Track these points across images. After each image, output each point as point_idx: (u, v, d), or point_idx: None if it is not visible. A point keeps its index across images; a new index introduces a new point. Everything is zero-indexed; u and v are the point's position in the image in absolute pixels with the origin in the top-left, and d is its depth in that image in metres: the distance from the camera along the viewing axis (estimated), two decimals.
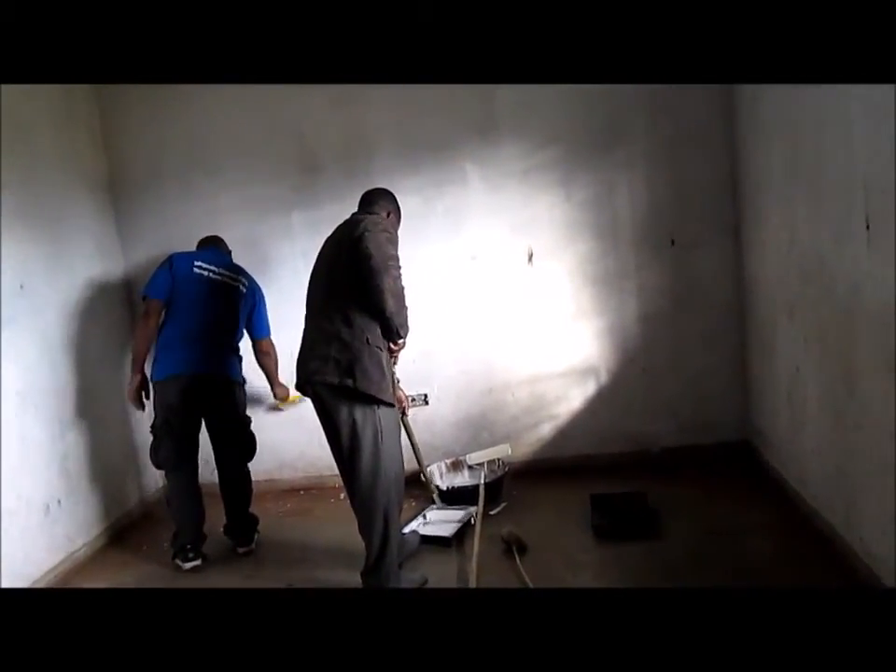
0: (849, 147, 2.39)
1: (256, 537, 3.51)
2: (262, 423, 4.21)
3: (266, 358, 3.66)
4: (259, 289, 3.61)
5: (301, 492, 4.22)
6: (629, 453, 4.00)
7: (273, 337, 3.69)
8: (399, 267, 2.68)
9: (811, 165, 2.75)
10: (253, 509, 3.56)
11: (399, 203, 3.03)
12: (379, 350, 2.68)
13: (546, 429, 4.10)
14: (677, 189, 3.82)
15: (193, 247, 4.10)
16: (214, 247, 3.59)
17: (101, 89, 4.04)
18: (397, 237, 2.80)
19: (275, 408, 4.09)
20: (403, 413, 3.15)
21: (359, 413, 2.66)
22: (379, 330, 2.69)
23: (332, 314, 2.68)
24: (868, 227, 2.29)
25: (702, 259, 3.86)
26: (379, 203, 2.94)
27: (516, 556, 3.02)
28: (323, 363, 2.66)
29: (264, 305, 3.62)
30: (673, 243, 3.86)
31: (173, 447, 3.26)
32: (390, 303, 2.60)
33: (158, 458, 3.29)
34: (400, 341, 2.79)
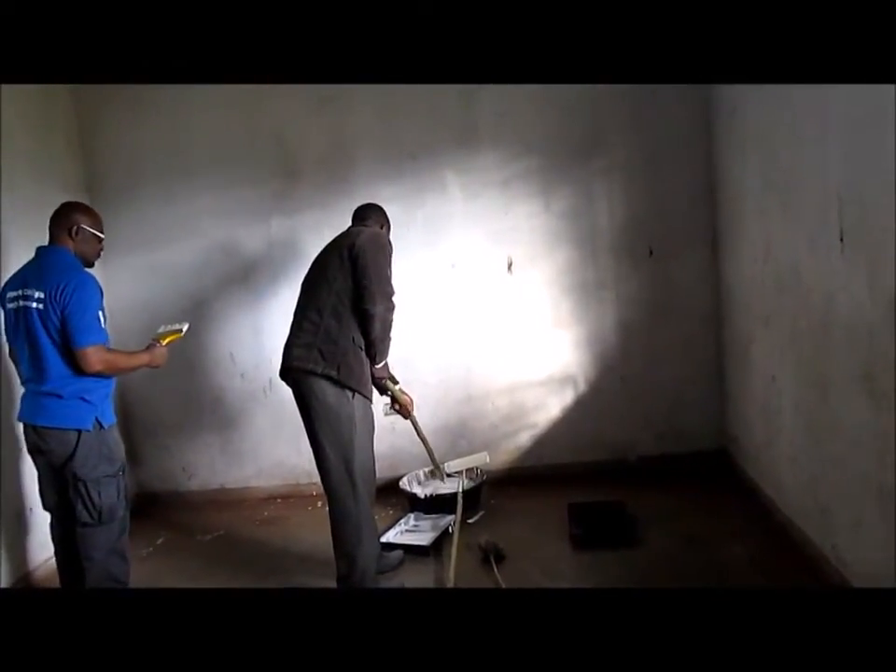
0: (824, 160, 2.44)
1: None
2: (240, 431, 4.20)
3: (93, 373, 2.62)
4: (72, 286, 2.59)
5: (279, 500, 4.19)
6: (607, 461, 4.01)
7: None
8: (393, 294, 2.80)
9: (786, 177, 2.80)
10: (231, 516, 3.48)
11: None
12: (362, 351, 2.79)
13: (524, 438, 4.11)
14: (655, 200, 3.86)
15: (170, 251, 4.05)
16: (42, 251, 2.76)
17: (79, 92, 4.00)
18: (391, 250, 2.89)
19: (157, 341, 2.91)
20: (410, 414, 3.20)
21: (334, 397, 2.74)
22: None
23: (323, 309, 2.77)
24: (842, 238, 2.33)
25: (679, 269, 3.90)
26: (372, 217, 3.04)
27: (493, 565, 3.01)
28: (306, 351, 2.75)
29: (80, 304, 2.59)
30: (651, 253, 3.89)
31: (40, 488, 2.85)
32: (376, 329, 2.74)
33: None
34: (376, 367, 2.88)
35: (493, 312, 4.02)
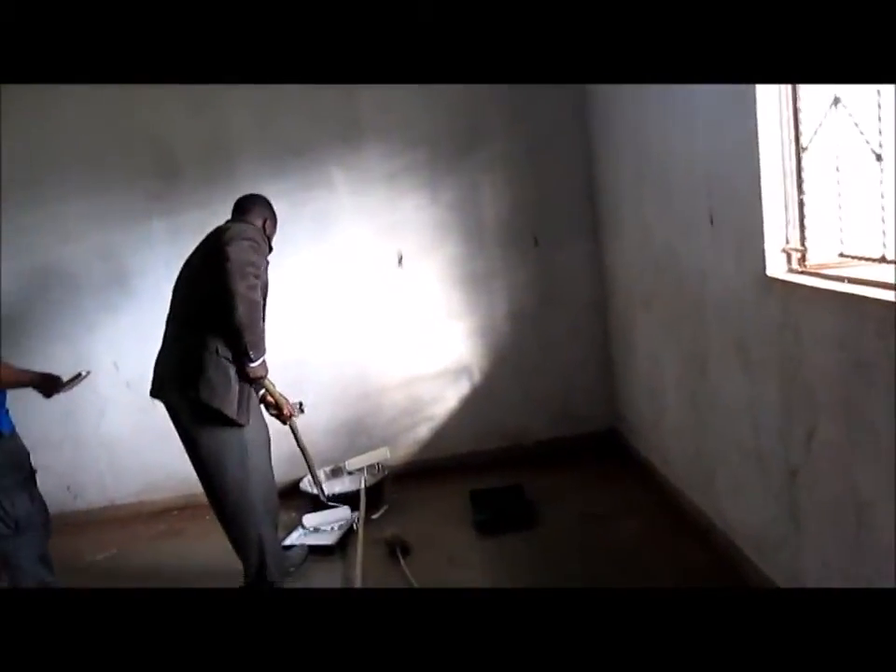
0: (691, 149, 2.58)
1: None
2: (128, 443, 4.03)
3: None
4: None
5: (175, 512, 4.04)
6: (505, 448, 4.09)
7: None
8: (258, 276, 2.52)
9: (658, 166, 2.94)
10: (123, 534, 3.35)
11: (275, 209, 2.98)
12: (227, 361, 2.55)
13: (423, 431, 4.13)
14: (538, 191, 3.96)
15: (41, 257, 3.85)
16: None
17: None
18: (266, 247, 2.73)
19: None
20: (291, 416, 2.99)
21: (220, 433, 2.59)
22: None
23: (186, 322, 2.62)
24: (712, 222, 2.47)
25: (565, 257, 4.01)
26: (253, 210, 2.84)
27: (400, 558, 3.03)
28: (170, 370, 2.61)
29: None
30: (537, 242, 3.99)
31: None
32: (240, 311, 2.41)
33: None
34: (252, 365, 2.55)
35: (385, 306, 4.02)
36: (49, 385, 2.82)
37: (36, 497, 2.72)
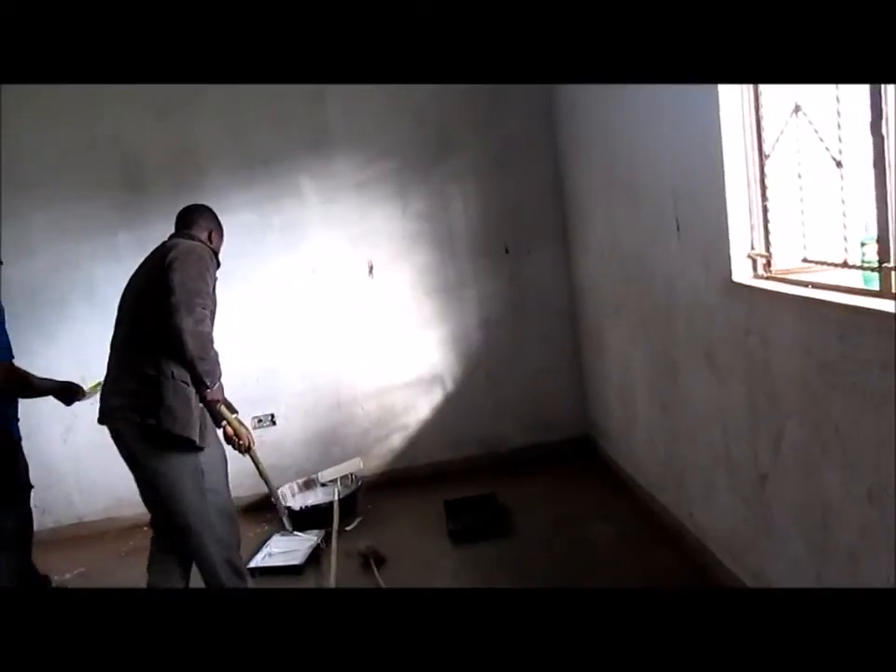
0: (657, 156, 2.61)
1: None
2: (96, 458, 3.96)
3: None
4: None
5: (145, 528, 3.96)
6: (479, 456, 4.10)
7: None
8: (207, 306, 2.45)
9: (625, 173, 2.97)
10: (92, 551, 3.39)
11: (221, 220, 2.82)
12: (185, 385, 2.46)
13: (397, 440, 4.12)
14: (507, 199, 3.98)
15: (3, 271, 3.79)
16: None
17: None
18: (214, 264, 2.60)
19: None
20: (249, 449, 2.75)
21: (174, 457, 2.48)
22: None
23: (136, 346, 2.50)
24: (678, 228, 2.50)
25: (535, 265, 4.04)
26: (198, 222, 2.71)
27: (374, 569, 3.01)
28: (125, 399, 2.48)
29: None
30: (507, 251, 4.01)
31: None
32: (190, 346, 2.36)
33: None
34: (208, 390, 2.50)
35: (357, 316, 4.01)
36: (71, 393, 2.88)
37: (26, 513, 2.77)
